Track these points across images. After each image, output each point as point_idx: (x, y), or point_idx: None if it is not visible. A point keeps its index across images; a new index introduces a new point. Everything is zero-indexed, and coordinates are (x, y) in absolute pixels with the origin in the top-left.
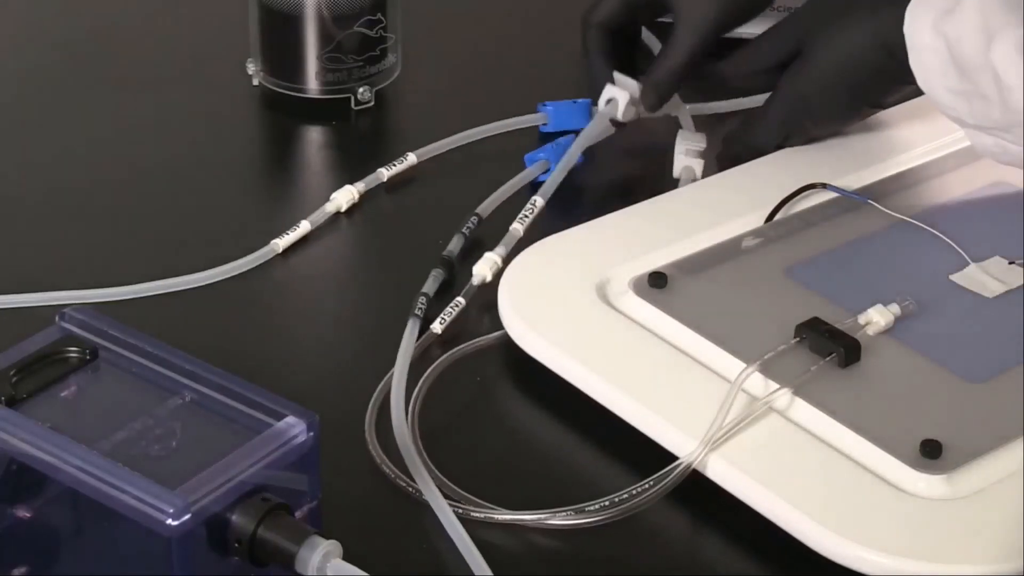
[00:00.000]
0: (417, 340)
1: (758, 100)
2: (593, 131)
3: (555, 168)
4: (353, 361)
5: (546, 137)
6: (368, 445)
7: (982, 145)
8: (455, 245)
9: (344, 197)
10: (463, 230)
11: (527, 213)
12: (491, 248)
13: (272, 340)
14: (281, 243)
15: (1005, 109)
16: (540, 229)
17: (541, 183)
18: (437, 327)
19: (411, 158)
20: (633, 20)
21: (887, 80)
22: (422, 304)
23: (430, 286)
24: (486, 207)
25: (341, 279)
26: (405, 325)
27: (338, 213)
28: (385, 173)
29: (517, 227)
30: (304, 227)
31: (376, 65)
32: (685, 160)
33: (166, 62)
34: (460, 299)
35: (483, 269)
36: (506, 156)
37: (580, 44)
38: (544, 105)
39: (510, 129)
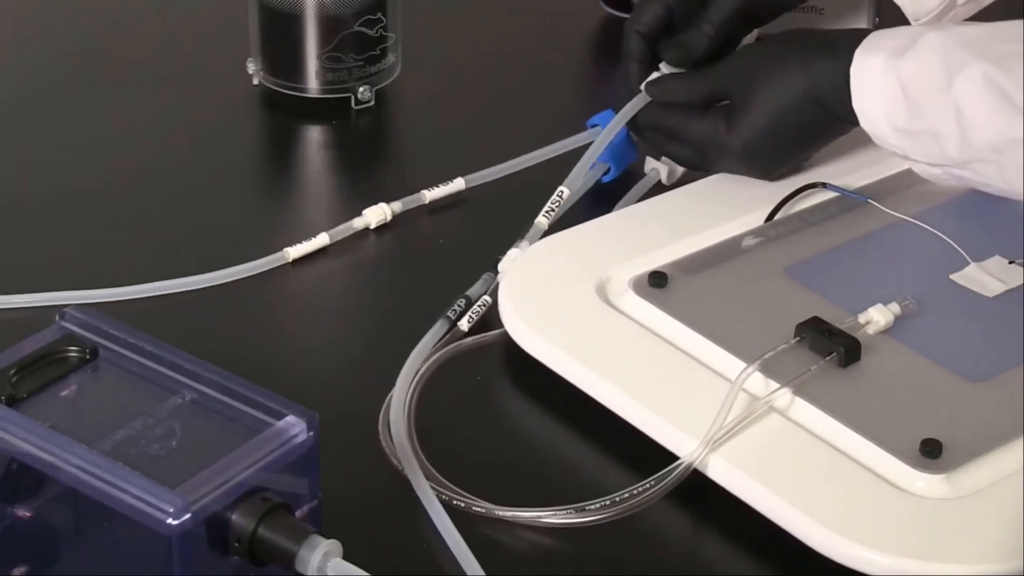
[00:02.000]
0: (441, 339)
1: None
2: (632, 110)
3: (587, 153)
4: (359, 364)
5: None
6: (381, 441)
7: (928, 173)
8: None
9: (375, 215)
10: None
11: (553, 206)
12: None
13: (279, 345)
14: (293, 252)
15: (964, 144)
16: None
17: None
18: (464, 324)
19: (459, 182)
20: (672, 30)
21: (813, 132)
22: (459, 305)
23: (476, 289)
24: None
25: (360, 289)
26: (416, 333)
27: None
28: (427, 195)
29: (542, 220)
30: (322, 239)
31: (376, 64)
32: (654, 162)
33: (166, 62)
34: (487, 298)
35: (508, 265)
36: (543, 173)
37: (621, 49)
38: (593, 121)
39: (564, 151)
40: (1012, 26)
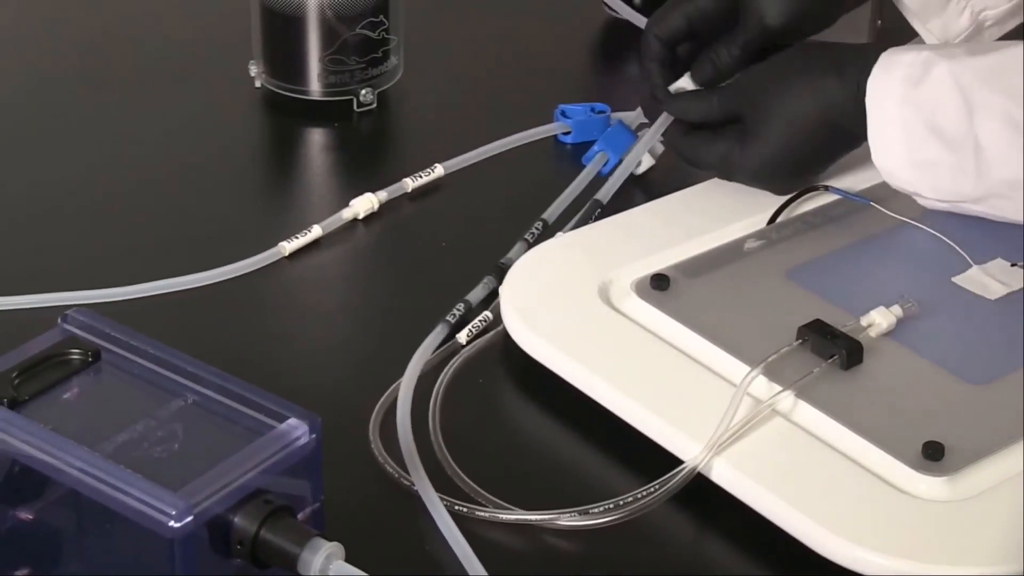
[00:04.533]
0: (440, 347)
1: None
2: (659, 128)
3: (615, 166)
4: (362, 366)
5: (565, 146)
6: (371, 444)
7: (934, 208)
8: (516, 253)
9: (363, 205)
10: (526, 236)
11: (531, 234)
12: None
13: (279, 343)
14: (288, 246)
15: (980, 180)
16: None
17: (604, 176)
18: (463, 337)
19: (439, 169)
20: (693, 37)
21: (827, 151)
22: (458, 309)
23: (476, 294)
24: (552, 212)
25: (354, 284)
26: (419, 331)
27: (354, 220)
28: (410, 183)
29: (520, 246)
30: (315, 232)
31: (378, 67)
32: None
33: (169, 65)
34: (488, 313)
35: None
36: (522, 163)
37: (640, 52)
38: (563, 115)
39: (534, 139)
40: (1019, 53)
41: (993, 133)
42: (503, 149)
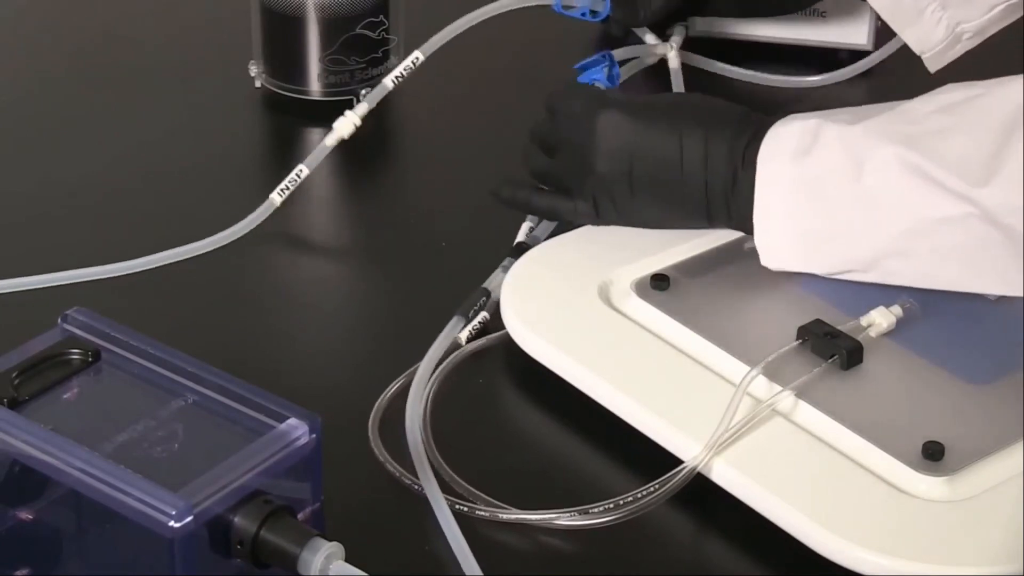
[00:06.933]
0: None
1: None
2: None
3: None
4: (362, 366)
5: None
6: (371, 443)
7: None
8: (542, 230)
9: (345, 127)
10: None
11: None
12: None
13: (279, 342)
14: (279, 199)
15: (875, 238)
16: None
17: None
18: (463, 337)
19: (418, 56)
20: None
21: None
22: (482, 302)
23: (496, 279)
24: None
25: (355, 284)
26: (420, 331)
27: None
28: (390, 84)
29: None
30: (303, 172)
31: (378, 67)
32: None
33: (169, 65)
34: (485, 314)
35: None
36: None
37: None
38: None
39: (519, 7)
40: (908, 107)
41: (888, 182)
42: (483, 19)
